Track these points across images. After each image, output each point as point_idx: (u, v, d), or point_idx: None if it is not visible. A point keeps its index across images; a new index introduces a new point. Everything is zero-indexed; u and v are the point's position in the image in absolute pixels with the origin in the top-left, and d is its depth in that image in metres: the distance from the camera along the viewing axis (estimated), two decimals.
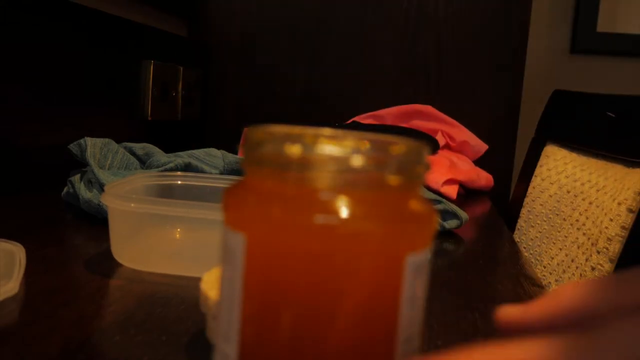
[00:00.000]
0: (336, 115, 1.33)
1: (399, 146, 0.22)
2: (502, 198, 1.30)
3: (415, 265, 0.23)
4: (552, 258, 0.97)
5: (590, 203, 0.91)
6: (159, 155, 0.76)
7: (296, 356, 0.22)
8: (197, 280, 0.47)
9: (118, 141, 0.79)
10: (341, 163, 0.21)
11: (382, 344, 0.22)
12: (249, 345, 0.23)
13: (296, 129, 0.22)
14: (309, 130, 0.22)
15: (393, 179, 0.22)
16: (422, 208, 0.23)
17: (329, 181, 0.21)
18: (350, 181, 0.21)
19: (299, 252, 0.21)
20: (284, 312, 0.22)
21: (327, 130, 0.22)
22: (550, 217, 1.04)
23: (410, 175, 0.23)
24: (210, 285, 0.36)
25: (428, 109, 1.24)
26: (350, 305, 0.21)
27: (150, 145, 0.80)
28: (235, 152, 0.92)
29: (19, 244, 0.45)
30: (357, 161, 0.21)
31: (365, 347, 0.22)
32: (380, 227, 0.22)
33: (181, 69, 1.24)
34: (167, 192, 0.60)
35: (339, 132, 0.22)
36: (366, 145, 0.21)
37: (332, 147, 0.21)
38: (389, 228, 0.22)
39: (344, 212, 0.21)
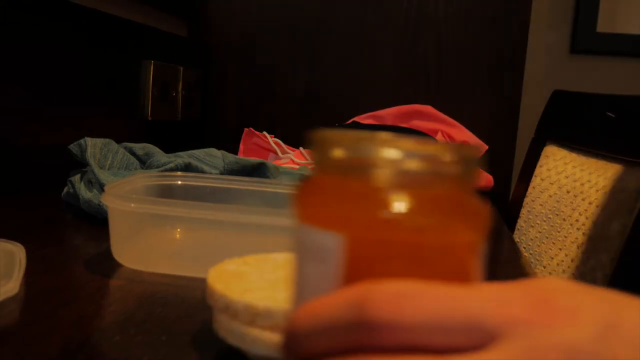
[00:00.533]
0: (336, 115, 1.33)
1: (461, 150, 0.25)
2: (502, 198, 1.30)
3: (482, 253, 0.25)
4: (552, 258, 0.97)
5: (590, 203, 0.91)
6: (159, 155, 0.76)
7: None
8: (197, 280, 0.47)
9: (118, 141, 0.79)
10: (422, 164, 0.24)
11: None
12: None
13: (376, 134, 0.24)
14: (388, 135, 0.24)
15: (457, 178, 0.25)
16: (480, 203, 0.26)
17: (409, 181, 0.23)
18: (417, 180, 0.24)
19: (394, 247, 0.23)
20: None
21: (404, 136, 0.24)
22: (550, 217, 1.04)
23: (469, 174, 0.25)
24: (217, 279, 0.36)
25: (428, 109, 1.24)
26: None
27: (150, 146, 0.80)
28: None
29: (19, 244, 0.45)
30: (424, 163, 0.24)
31: None
32: (447, 219, 0.24)
33: (181, 69, 1.24)
34: (167, 192, 0.60)
35: (414, 137, 0.24)
36: (433, 149, 0.24)
37: (413, 150, 0.24)
38: (454, 220, 0.24)
39: (429, 209, 0.23)
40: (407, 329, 0.21)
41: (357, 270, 0.24)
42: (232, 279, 0.36)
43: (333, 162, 0.25)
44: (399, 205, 0.23)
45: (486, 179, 1.14)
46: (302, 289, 0.26)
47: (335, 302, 0.22)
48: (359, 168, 0.24)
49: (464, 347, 0.21)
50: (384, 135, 0.24)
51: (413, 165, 0.23)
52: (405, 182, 0.23)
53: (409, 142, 0.24)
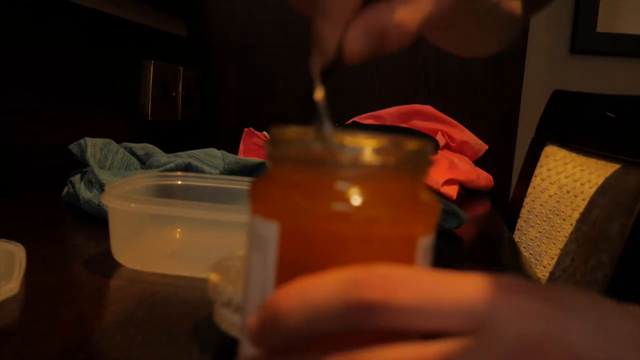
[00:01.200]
0: (336, 115, 1.33)
1: (409, 144, 0.25)
2: (502, 198, 1.30)
3: (425, 247, 0.26)
4: (552, 258, 0.97)
5: (591, 203, 0.91)
6: (159, 155, 0.76)
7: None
8: (197, 280, 0.47)
9: (118, 141, 0.79)
10: (358, 158, 0.24)
11: None
12: None
13: (325, 128, 0.25)
14: (330, 130, 0.25)
15: (405, 172, 0.25)
16: (429, 197, 0.26)
17: (348, 174, 0.24)
18: (365, 174, 0.24)
19: (324, 237, 0.24)
20: None
21: (344, 130, 0.25)
22: (550, 217, 1.04)
23: (419, 169, 0.26)
24: (219, 273, 0.37)
25: (428, 109, 1.24)
26: None
27: (151, 146, 0.80)
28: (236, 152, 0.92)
29: (19, 244, 0.45)
30: (372, 156, 0.24)
31: None
32: (394, 212, 0.24)
33: (181, 69, 1.24)
34: (167, 192, 0.60)
35: (356, 131, 0.25)
36: (381, 143, 0.24)
37: (350, 144, 0.24)
38: (402, 213, 0.25)
39: (358, 200, 0.24)
40: (401, 310, 0.21)
41: (291, 259, 0.24)
42: (233, 273, 0.37)
43: (282, 156, 0.26)
44: (340, 195, 0.24)
45: (486, 179, 1.14)
46: (247, 277, 0.26)
47: (325, 284, 0.22)
48: (305, 162, 0.24)
49: (453, 332, 0.21)
50: (331, 129, 0.25)
51: (356, 158, 0.24)
52: (350, 174, 0.24)
53: (357, 136, 0.24)
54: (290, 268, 0.24)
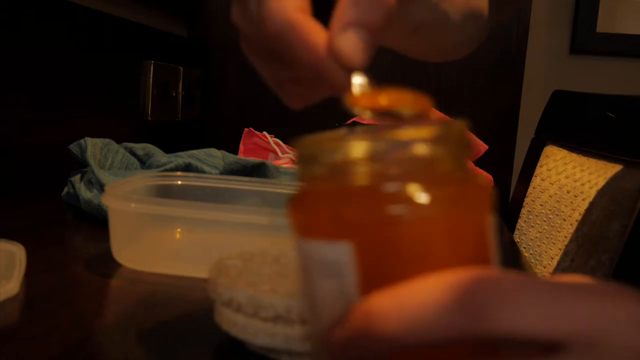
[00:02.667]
0: (336, 116, 1.33)
1: (454, 125, 0.24)
2: (502, 198, 1.30)
3: (493, 227, 0.25)
4: (552, 258, 0.97)
5: (591, 203, 0.91)
6: (159, 155, 0.76)
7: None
8: (197, 280, 0.47)
9: (118, 141, 0.79)
10: (419, 153, 0.22)
11: None
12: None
13: (352, 134, 0.23)
14: (369, 132, 0.23)
15: (460, 157, 0.24)
16: (477, 174, 0.25)
17: (413, 173, 0.22)
18: (428, 169, 0.23)
19: (409, 244, 0.22)
20: None
21: (379, 127, 0.23)
22: (550, 217, 1.04)
23: (468, 150, 0.25)
24: (219, 273, 0.37)
25: None
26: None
27: (151, 146, 0.80)
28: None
29: (19, 244, 0.45)
30: (433, 148, 0.22)
31: None
32: (466, 201, 0.23)
33: (181, 69, 1.24)
34: (167, 193, 0.60)
35: (390, 125, 0.23)
36: (434, 131, 0.23)
37: (394, 139, 0.22)
38: (471, 199, 0.24)
39: (424, 198, 0.22)
40: (518, 315, 0.19)
41: (375, 278, 0.22)
42: (233, 272, 0.37)
43: (319, 171, 0.23)
44: (400, 199, 0.22)
45: (486, 178, 1.14)
46: (317, 306, 0.24)
47: (427, 288, 0.20)
48: (346, 171, 0.22)
49: (566, 343, 0.20)
50: (359, 131, 0.23)
51: (398, 156, 0.22)
52: (396, 174, 0.22)
53: (389, 133, 0.22)
54: (375, 287, 0.22)
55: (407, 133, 0.22)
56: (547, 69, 1.59)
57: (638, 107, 0.92)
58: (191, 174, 0.63)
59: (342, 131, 0.23)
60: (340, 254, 0.23)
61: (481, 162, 1.21)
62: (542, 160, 1.16)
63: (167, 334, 0.38)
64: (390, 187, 0.22)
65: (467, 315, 0.19)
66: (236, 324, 0.34)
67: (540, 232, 1.06)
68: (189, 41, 1.40)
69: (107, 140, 0.76)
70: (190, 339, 0.37)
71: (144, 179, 0.59)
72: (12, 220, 0.65)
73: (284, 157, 1.08)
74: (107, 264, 0.51)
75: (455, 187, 0.23)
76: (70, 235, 0.62)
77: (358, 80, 0.28)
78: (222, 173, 0.74)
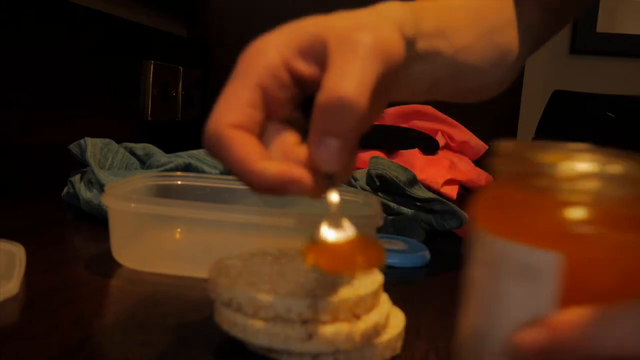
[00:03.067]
0: None
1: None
2: None
3: None
4: None
5: None
6: (159, 155, 0.76)
7: None
8: (197, 280, 0.47)
9: (118, 141, 0.79)
10: (623, 182, 0.23)
11: None
12: None
13: (571, 148, 0.24)
14: (587, 148, 0.24)
15: None
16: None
17: (609, 198, 0.23)
18: (627, 199, 0.23)
19: (617, 267, 0.23)
20: None
21: (601, 150, 0.24)
22: None
23: None
24: (218, 273, 0.37)
25: (428, 109, 1.24)
26: None
27: (151, 146, 0.80)
28: None
29: (19, 244, 0.45)
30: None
31: None
32: None
33: (181, 69, 1.24)
34: (167, 193, 0.60)
35: (610, 152, 0.24)
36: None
37: (614, 167, 0.23)
38: None
39: (631, 226, 0.23)
40: None
41: (573, 290, 0.23)
42: (233, 272, 0.37)
43: (536, 177, 0.24)
44: (609, 221, 0.23)
45: (486, 179, 1.14)
46: (502, 306, 0.25)
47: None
48: (563, 185, 0.23)
49: None
50: (581, 148, 0.24)
51: (614, 183, 0.23)
52: (606, 199, 0.23)
53: (610, 158, 0.24)
54: (575, 301, 0.23)
55: (622, 164, 0.23)
56: (547, 69, 1.59)
57: (638, 107, 0.92)
58: (191, 174, 0.63)
59: (567, 145, 0.24)
60: (545, 261, 0.23)
61: (481, 162, 1.21)
62: None
63: (167, 334, 0.38)
64: (618, 209, 0.23)
65: None
66: (236, 324, 0.34)
67: None
68: (189, 41, 1.40)
69: (107, 140, 0.76)
70: (190, 339, 0.37)
71: (144, 179, 0.59)
72: (12, 220, 0.65)
73: None
74: (107, 264, 0.51)
75: None
76: (70, 235, 0.62)
77: (334, 198, 0.31)
78: (222, 173, 0.74)
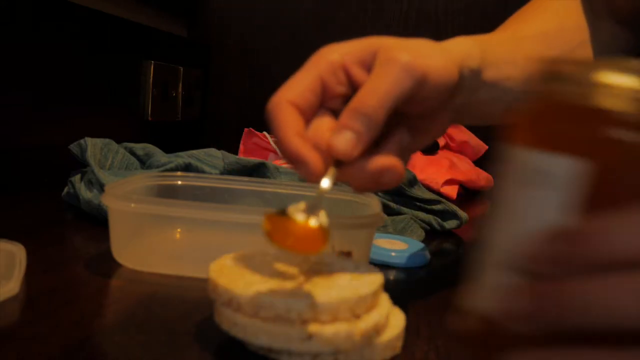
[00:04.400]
0: None
1: None
2: None
3: None
4: None
5: None
6: (159, 155, 0.76)
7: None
8: (197, 280, 0.47)
9: (118, 141, 0.79)
10: None
11: None
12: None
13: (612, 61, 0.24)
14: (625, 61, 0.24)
15: None
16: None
17: None
18: None
19: (633, 171, 0.23)
20: None
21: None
22: None
23: None
24: (218, 273, 0.37)
25: None
26: None
27: (151, 146, 0.80)
28: None
29: (19, 244, 0.45)
30: None
31: None
32: None
33: (181, 69, 1.24)
34: (167, 193, 0.60)
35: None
36: None
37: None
38: None
39: None
40: None
41: (597, 197, 0.23)
42: (233, 272, 0.37)
43: (570, 89, 0.24)
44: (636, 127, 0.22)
45: (486, 179, 1.14)
46: (518, 214, 0.25)
47: None
48: (603, 94, 0.23)
49: None
50: (619, 61, 0.24)
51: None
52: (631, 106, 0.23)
53: None
54: (601, 207, 0.23)
55: None
56: None
57: None
58: (191, 174, 0.63)
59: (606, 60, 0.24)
60: (567, 167, 0.23)
61: (481, 162, 1.21)
62: None
63: (167, 334, 0.38)
64: (631, 119, 0.22)
65: None
66: (236, 324, 0.34)
67: None
68: (189, 41, 1.40)
69: (107, 140, 0.76)
70: (190, 339, 0.37)
71: (144, 179, 0.59)
72: (12, 220, 0.65)
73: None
74: (107, 264, 0.51)
75: None
76: (70, 235, 0.62)
77: (325, 184, 0.34)
78: (222, 173, 0.74)
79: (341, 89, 0.38)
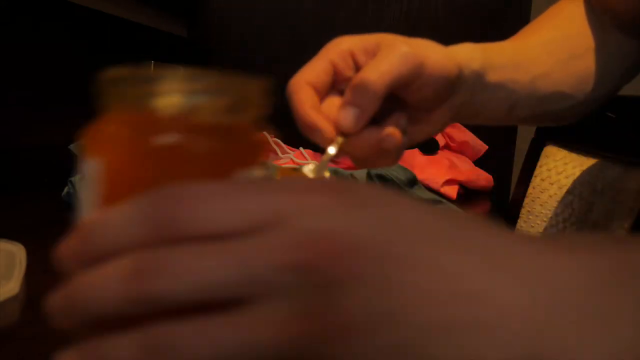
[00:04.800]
0: None
1: (234, 81, 0.28)
2: (502, 198, 1.30)
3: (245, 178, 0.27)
4: None
5: (590, 203, 0.91)
6: None
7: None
8: None
9: None
10: (183, 95, 0.26)
11: None
12: None
13: (144, 69, 0.26)
14: (155, 69, 0.26)
15: (227, 110, 0.27)
16: (248, 133, 0.29)
17: (170, 111, 0.25)
18: (187, 110, 0.25)
19: (145, 170, 0.25)
20: None
21: (173, 69, 0.26)
22: (550, 218, 1.04)
23: (243, 108, 0.29)
24: None
25: None
26: None
27: None
28: None
29: (19, 244, 0.45)
30: (196, 95, 0.26)
31: None
32: (210, 146, 0.26)
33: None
34: None
35: (187, 72, 0.26)
36: (207, 81, 0.26)
37: (175, 83, 0.26)
38: (217, 147, 0.26)
39: (179, 135, 0.25)
40: (205, 209, 0.21)
41: (110, 194, 0.26)
42: None
43: (111, 97, 0.27)
44: (158, 129, 0.25)
45: (486, 179, 1.14)
46: (79, 216, 0.28)
47: (122, 215, 0.22)
48: (128, 100, 0.26)
49: (253, 227, 0.21)
50: (153, 69, 0.26)
51: (171, 96, 0.25)
52: (168, 111, 0.25)
53: (183, 76, 0.25)
54: (111, 202, 0.24)
55: (178, 77, 0.25)
56: None
57: (638, 107, 0.92)
58: None
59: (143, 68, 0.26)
60: (91, 167, 0.26)
61: (481, 162, 1.21)
62: (542, 160, 1.16)
63: None
64: (143, 118, 0.25)
65: (155, 220, 0.21)
66: None
67: (540, 232, 1.06)
68: (189, 41, 1.40)
69: None
70: None
71: None
72: (12, 220, 0.65)
73: (284, 157, 1.08)
74: None
75: (207, 131, 0.26)
76: None
77: (332, 150, 0.40)
78: None
79: (349, 72, 0.42)
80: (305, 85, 0.43)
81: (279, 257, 0.20)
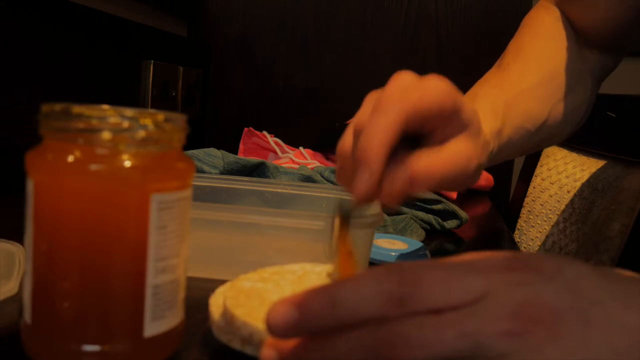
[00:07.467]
0: (336, 115, 1.33)
1: (156, 116, 0.31)
2: (502, 198, 1.30)
3: (162, 202, 0.31)
4: None
5: (591, 203, 0.91)
6: None
7: (70, 270, 0.30)
8: (197, 280, 0.47)
9: None
10: (112, 129, 0.30)
11: (135, 259, 0.31)
12: (40, 272, 0.31)
13: (73, 106, 0.31)
14: (91, 106, 0.31)
15: (148, 141, 0.31)
16: (172, 161, 0.32)
17: (100, 141, 0.30)
18: (115, 141, 0.30)
19: (71, 191, 0.30)
20: (58, 238, 0.30)
21: (104, 106, 0.31)
22: (550, 217, 1.04)
23: (166, 138, 0.31)
24: (235, 301, 0.34)
25: None
26: (111, 228, 0.30)
27: None
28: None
29: (19, 244, 0.45)
30: (117, 129, 0.30)
31: (122, 259, 0.30)
32: (129, 173, 0.30)
33: (181, 68, 1.24)
34: None
35: (117, 108, 0.31)
36: (130, 115, 0.30)
37: (106, 117, 0.30)
38: (135, 174, 0.30)
39: (100, 164, 0.29)
40: (427, 295, 0.26)
41: (43, 212, 0.30)
42: (252, 300, 0.34)
43: (45, 127, 0.31)
44: (82, 155, 0.29)
45: (486, 179, 1.14)
46: (25, 236, 0.33)
47: (363, 291, 0.26)
48: (62, 129, 0.30)
49: (463, 304, 0.26)
50: (89, 106, 0.31)
51: (101, 129, 0.30)
52: (98, 141, 0.30)
53: (105, 109, 0.31)
54: (45, 221, 0.30)
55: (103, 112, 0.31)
56: None
57: (638, 107, 0.92)
58: None
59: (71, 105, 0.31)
60: (29, 187, 0.31)
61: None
62: (542, 160, 1.16)
63: None
64: (70, 145, 0.30)
65: (398, 296, 0.26)
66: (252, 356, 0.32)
67: (540, 232, 1.06)
68: (189, 41, 1.40)
69: None
70: (191, 339, 0.37)
71: None
72: (12, 220, 0.65)
73: (284, 156, 1.08)
74: None
75: (128, 158, 0.30)
76: None
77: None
78: (222, 173, 0.74)
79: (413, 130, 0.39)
80: (385, 152, 0.37)
81: (499, 326, 0.25)
